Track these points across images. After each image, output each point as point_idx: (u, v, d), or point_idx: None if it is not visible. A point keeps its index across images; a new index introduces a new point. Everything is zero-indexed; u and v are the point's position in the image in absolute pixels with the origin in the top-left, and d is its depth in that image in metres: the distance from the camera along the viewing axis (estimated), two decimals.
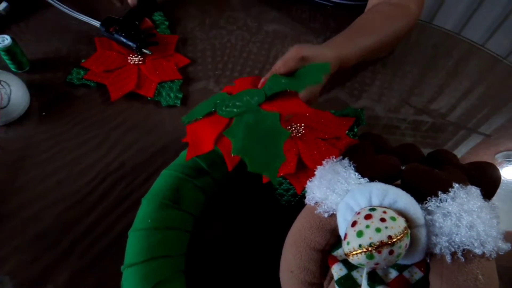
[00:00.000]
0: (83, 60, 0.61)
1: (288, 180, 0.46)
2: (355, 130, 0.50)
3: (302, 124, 0.48)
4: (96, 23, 0.64)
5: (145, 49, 0.61)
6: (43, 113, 0.56)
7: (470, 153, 0.56)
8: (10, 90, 0.53)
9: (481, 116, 0.60)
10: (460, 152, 0.56)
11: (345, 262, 0.33)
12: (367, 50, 0.55)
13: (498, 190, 0.36)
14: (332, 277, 0.34)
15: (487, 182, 0.35)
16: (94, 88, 0.59)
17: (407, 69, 0.65)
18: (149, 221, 0.41)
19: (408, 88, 0.63)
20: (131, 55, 0.62)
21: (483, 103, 0.62)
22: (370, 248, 0.27)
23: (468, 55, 0.69)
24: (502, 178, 0.51)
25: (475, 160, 0.39)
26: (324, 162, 0.38)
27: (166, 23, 0.69)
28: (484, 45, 0.71)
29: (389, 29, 0.58)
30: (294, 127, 0.48)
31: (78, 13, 0.66)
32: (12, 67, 0.60)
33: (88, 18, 0.65)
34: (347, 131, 0.48)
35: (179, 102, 0.58)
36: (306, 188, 0.38)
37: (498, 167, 0.37)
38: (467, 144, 0.57)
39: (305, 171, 0.45)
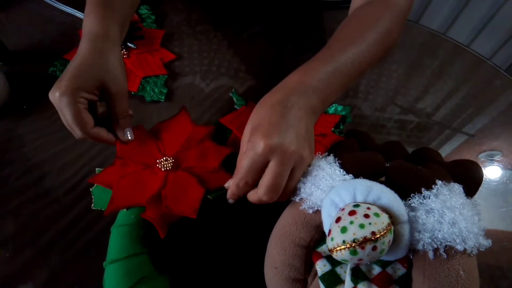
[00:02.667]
0: (66, 53, 0.60)
1: None
2: (341, 127, 0.50)
3: None
4: (81, 15, 0.62)
5: (130, 43, 0.60)
6: (24, 106, 0.55)
7: (454, 152, 0.57)
8: None
9: (465, 116, 0.61)
10: (445, 151, 0.57)
11: (329, 258, 0.33)
12: (351, 71, 0.43)
13: (481, 189, 0.37)
14: (316, 273, 0.34)
15: (470, 180, 0.36)
16: None
17: (393, 68, 0.66)
18: (132, 217, 0.40)
19: (394, 87, 0.63)
20: None
21: (467, 103, 0.62)
22: (353, 244, 0.27)
23: (453, 55, 0.70)
24: (485, 177, 0.52)
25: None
26: None
27: (153, 17, 0.68)
28: (469, 45, 0.72)
29: (371, 36, 0.45)
30: None
31: (62, 5, 0.65)
32: None
33: (73, 9, 0.64)
34: (333, 128, 0.48)
35: (163, 97, 0.57)
36: None
37: (480, 166, 0.38)
38: (451, 144, 0.58)
39: None
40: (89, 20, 0.45)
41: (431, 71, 0.66)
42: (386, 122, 0.59)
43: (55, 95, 0.40)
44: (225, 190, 0.40)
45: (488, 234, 0.30)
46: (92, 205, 0.44)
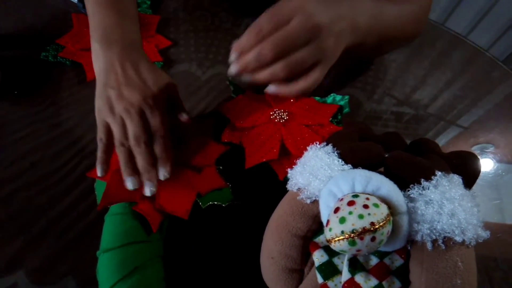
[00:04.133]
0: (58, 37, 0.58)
1: None
2: (339, 117, 0.49)
3: (286, 111, 0.47)
4: None
5: None
6: (16, 92, 0.54)
7: (448, 144, 0.56)
8: None
9: (462, 108, 0.61)
10: (439, 143, 0.56)
11: (327, 249, 0.33)
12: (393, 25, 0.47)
13: (477, 186, 0.37)
14: (313, 264, 0.33)
15: (468, 171, 0.36)
16: (69, 67, 0.57)
17: (391, 58, 0.65)
18: (127, 205, 0.40)
19: (393, 78, 0.63)
20: None
21: (464, 95, 0.62)
22: (352, 234, 0.27)
23: (452, 46, 0.69)
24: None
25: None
26: (308, 148, 0.37)
27: (148, 2, 0.66)
28: (467, 36, 0.72)
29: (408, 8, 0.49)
30: (278, 114, 0.47)
31: None
32: None
33: None
34: (331, 118, 0.48)
35: None
36: (288, 174, 0.37)
37: (479, 157, 0.38)
38: (446, 136, 0.58)
39: (288, 157, 0.45)
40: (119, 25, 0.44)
41: (430, 62, 0.66)
42: (382, 113, 0.58)
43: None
44: (216, 201, 0.42)
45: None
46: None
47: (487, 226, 0.30)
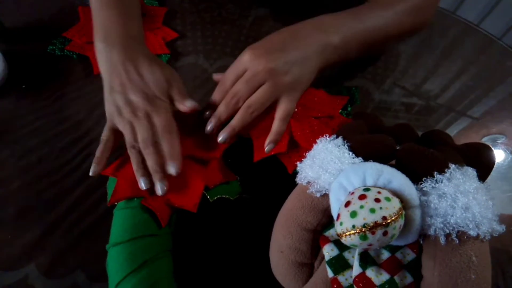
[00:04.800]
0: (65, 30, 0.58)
1: None
2: (349, 109, 0.49)
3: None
4: None
5: None
6: (23, 86, 0.54)
7: (458, 135, 0.55)
8: None
9: (473, 98, 0.60)
10: (450, 134, 0.56)
11: (337, 243, 0.32)
12: (370, 33, 0.47)
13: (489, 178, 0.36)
14: (323, 258, 0.33)
15: (482, 164, 0.35)
16: (76, 60, 0.57)
17: (402, 48, 0.64)
18: (135, 199, 0.40)
19: (402, 68, 0.61)
20: None
21: (475, 85, 0.61)
22: (363, 229, 0.26)
23: (463, 35, 0.68)
24: None
25: (463, 143, 0.38)
26: (317, 141, 0.37)
27: None
28: (479, 24, 0.70)
29: (401, 6, 0.49)
30: None
31: None
32: None
33: None
34: (340, 110, 0.47)
35: None
36: (298, 168, 0.36)
37: (492, 149, 0.37)
38: (456, 127, 0.57)
39: (297, 150, 0.44)
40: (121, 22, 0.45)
41: (440, 51, 0.64)
42: (392, 105, 0.57)
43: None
44: (225, 194, 0.43)
45: None
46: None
47: (499, 218, 0.29)
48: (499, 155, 0.54)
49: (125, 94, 0.42)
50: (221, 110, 0.42)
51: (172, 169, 0.39)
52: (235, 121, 0.41)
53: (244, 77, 0.42)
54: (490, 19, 1.08)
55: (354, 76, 0.59)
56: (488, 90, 0.61)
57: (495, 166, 0.51)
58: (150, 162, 0.40)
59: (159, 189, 0.39)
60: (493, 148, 0.35)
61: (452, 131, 0.55)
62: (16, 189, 0.45)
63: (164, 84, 0.43)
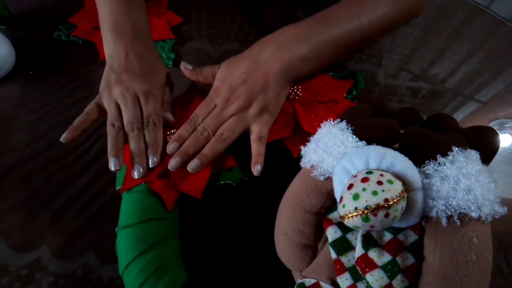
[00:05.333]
0: (70, 16, 0.58)
1: None
2: (354, 93, 0.49)
3: (300, 87, 0.47)
4: None
5: None
6: (31, 72, 0.54)
7: (466, 119, 0.55)
8: None
9: (481, 81, 0.59)
10: (457, 119, 0.55)
11: (340, 225, 0.33)
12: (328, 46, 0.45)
13: (494, 162, 0.36)
14: (326, 239, 0.34)
15: (486, 147, 0.35)
16: (82, 46, 0.57)
17: (408, 31, 0.63)
18: (143, 183, 0.40)
19: (409, 52, 0.61)
20: None
21: (483, 68, 0.60)
22: (366, 211, 0.27)
23: (472, 17, 0.67)
24: None
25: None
26: (321, 125, 0.37)
27: None
28: (488, 7, 0.69)
29: (368, 15, 0.45)
30: (292, 90, 0.47)
31: None
32: None
33: None
34: (345, 94, 0.47)
35: (171, 63, 0.56)
36: (302, 152, 0.37)
37: (497, 132, 0.37)
38: (464, 111, 0.56)
39: (302, 134, 0.44)
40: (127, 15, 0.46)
41: (448, 34, 0.63)
42: (398, 89, 0.57)
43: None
44: (228, 179, 0.44)
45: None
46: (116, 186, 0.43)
47: (504, 202, 0.30)
48: (506, 139, 0.53)
49: (119, 74, 0.43)
50: (189, 143, 0.41)
51: (151, 161, 0.41)
52: (208, 149, 0.41)
53: (213, 112, 0.43)
54: (500, 1, 1.06)
55: (360, 60, 0.59)
56: (496, 73, 0.60)
57: (502, 150, 0.51)
58: (133, 146, 0.41)
59: (136, 173, 0.40)
60: (498, 132, 0.35)
61: (459, 116, 0.55)
62: (27, 173, 0.46)
63: (161, 80, 0.45)
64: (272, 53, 0.44)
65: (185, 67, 0.47)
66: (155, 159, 0.41)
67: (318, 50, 0.44)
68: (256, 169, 0.41)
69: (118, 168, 0.40)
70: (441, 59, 0.60)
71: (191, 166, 0.39)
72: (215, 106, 0.44)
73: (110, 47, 0.45)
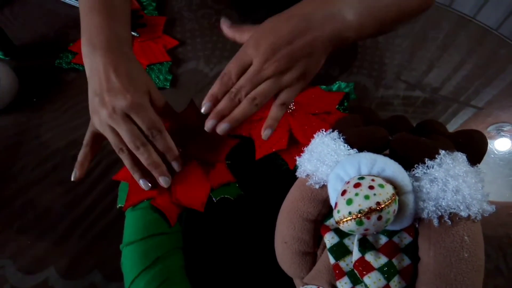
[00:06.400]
0: (70, 44, 0.61)
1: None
2: (345, 104, 0.50)
3: (293, 101, 0.49)
4: None
5: (133, 31, 0.61)
6: (34, 99, 0.56)
7: (462, 126, 0.56)
8: None
9: (473, 89, 0.60)
10: (453, 126, 0.56)
11: (337, 231, 0.34)
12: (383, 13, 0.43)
13: (489, 159, 0.37)
14: (325, 246, 0.35)
15: (474, 149, 0.36)
16: (83, 72, 0.59)
17: (396, 42, 0.65)
18: (146, 200, 0.42)
19: (399, 63, 0.63)
20: None
21: (474, 76, 0.62)
22: (359, 214, 0.28)
23: (458, 27, 0.69)
24: (494, 149, 0.52)
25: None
26: (315, 136, 0.38)
27: (153, 4, 0.68)
28: (474, 17, 0.71)
29: None
30: None
31: None
32: None
33: (75, 1, 0.64)
34: (337, 106, 0.49)
35: (168, 84, 0.58)
36: (297, 162, 0.38)
37: (484, 134, 0.38)
38: (460, 118, 0.57)
39: (297, 146, 0.46)
40: (104, 26, 0.43)
41: (436, 45, 0.65)
42: (392, 99, 0.59)
43: (125, 102, 0.40)
44: (226, 194, 0.44)
45: (496, 203, 0.31)
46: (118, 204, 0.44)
47: (500, 203, 0.30)
48: (505, 143, 0.54)
49: (102, 96, 0.41)
50: (224, 106, 0.40)
51: (175, 166, 0.41)
52: (238, 113, 0.39)
53: (248, 73, 0.40)
54: (485, 11, 1.09)
55: (351, 73, 0.61)
56: (489, 79, 0.61)
57: (501, 153, 0.52)
58: (146, 162, 0.40)
59: (163, 183, 0.40)
60: (496, 136, 0.36)
61: (457, 122, 0.56)
62: (33, 196, 0.48)
63: (143, 87, 0.43)
64: (326, 17, 0.41)
65: (224, 23, 0.46)
66: (177, 163, 0.42)
67: (364, 24, 0.42)
68: (265, 133, 0.40)
69: (149, 186, 0.41)
70: (431, 69, 0.62)
71: (222, 128, 0.39)
72: (251, 63, 0.40)
73: (88, 65, 0.43)
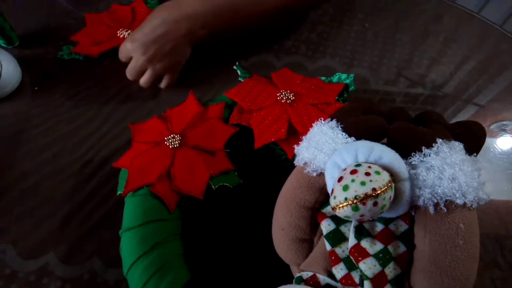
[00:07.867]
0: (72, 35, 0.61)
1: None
2: (345, 95, 0.50)
3: (292, 92, 0.49)
4: None
5: None
6: (35, 88, 0.57)
7: None
8: (1, 65, 0.53)
9: (477, 86, 0.60)
10: None
11: (334, 218, 0.34)
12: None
13: (493, 160, 0.37)
14: (321, 233, 0.35)
15: (472, 139, 0.36)
16: (84, 63, 0.60)
17: (397, 37, 0.65)
18: (145, 187, 0.42)
19: (400, 58, 0.63)
20: (120, 29, 0.61)
21: (478, 73, 0.61)
22: (355, 200, 0.28)
23: (462, 23, 0.68)
24: (497, 148, 0.52)
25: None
26: (313, 125, 0.39)
27: None
28: (479, 13, 0.70)
29: None
30: (284, 95, 0.48)
31: None
32: (1, 42, 0.59)
33: None
34: (337, 97, 0.49)
35: None
36: (295, 150, 0.38)
37: (483, 126, 0.38)
38: (464, 115, 0.57)
39: (296, 136, 0.46)
40: None
41: (439, 41, 0.65)
42: (393, 96, 0.58)
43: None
44: (225, 182, 0.45)
45: (494, 195, 0.31)
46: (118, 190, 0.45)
47: (507, 204, 0.30)
48: (508, 141, 0.54)
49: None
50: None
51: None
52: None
53: (130, 64, 0.53)
54: (489, 7, 1.08)
55: (351, 65, 0.61)
56: (493, 77, 0.61)
57: (503, 151, 0.52)
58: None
59: None
60: (499, 134, 0.36)
61: (459, 120, 0.56)
62: (33, 184, 0.48)
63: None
64: (179, 19, 0.51)
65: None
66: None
67: (213, 15, 0.52)
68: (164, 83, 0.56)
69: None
70: (434, 65, 0.62)
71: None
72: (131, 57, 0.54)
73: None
